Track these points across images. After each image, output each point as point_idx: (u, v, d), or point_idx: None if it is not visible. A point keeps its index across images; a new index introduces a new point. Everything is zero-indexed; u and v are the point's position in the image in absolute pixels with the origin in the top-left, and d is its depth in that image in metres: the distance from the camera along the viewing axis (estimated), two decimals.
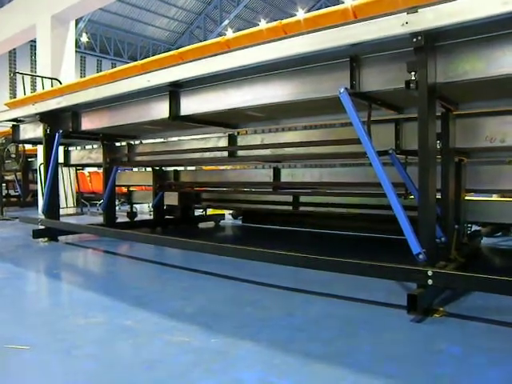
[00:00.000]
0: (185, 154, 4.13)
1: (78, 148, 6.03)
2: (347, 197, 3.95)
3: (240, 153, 3.94)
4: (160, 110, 3.25)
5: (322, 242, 4.27)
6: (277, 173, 4.23)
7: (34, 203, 7.70)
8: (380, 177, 2.11)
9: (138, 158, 4.83)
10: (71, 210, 7.32)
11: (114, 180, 4.62)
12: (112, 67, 20.90)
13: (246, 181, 4.56)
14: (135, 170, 7.58)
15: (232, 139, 4.04)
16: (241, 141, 4.03)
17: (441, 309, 2.01)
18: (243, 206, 5.05)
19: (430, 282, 1.89)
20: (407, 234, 2.02)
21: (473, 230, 3.54)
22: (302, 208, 4.32)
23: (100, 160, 4.74)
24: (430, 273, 1.89)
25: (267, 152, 3.60)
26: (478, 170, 3.02)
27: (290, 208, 4.40)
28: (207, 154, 4.18)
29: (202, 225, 5.62)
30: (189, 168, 6.12)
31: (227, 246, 2.78)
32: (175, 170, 5.27)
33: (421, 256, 1.98)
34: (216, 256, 3.01)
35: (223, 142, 4.09)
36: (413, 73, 1.96)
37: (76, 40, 9.69)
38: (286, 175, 4.21)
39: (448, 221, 2.46)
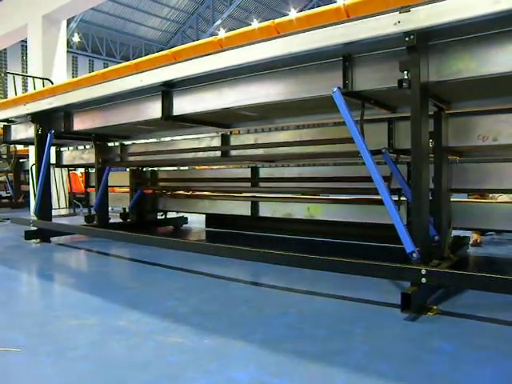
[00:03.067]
0: (178, 154, 4.12)
1: (71, 148, 5.99)
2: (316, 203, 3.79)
3: (233, 152, 3.94)
4: (153, 109, 3.24)
5: (289, 246, 4.17)
6: (255, 172, 4.17)
7: (26, 204, 7.64)
8: (373, 175, 2.11)
9: (131, 158, 4.80)
10: (63, 211, 7.27)
11: (106, 181, 4.60)
12: (104, 67, 20.77)
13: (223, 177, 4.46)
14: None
15: (225, 139, 4.03)
16: (234, 140, 4.02)
17: (434, 307, 2.01)
18: (204, 211, 4.82)
19: (423, 280, 1.89)
20: (400, 232, 2.03)
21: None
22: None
23: (92, 160, 4.70)
24: (423, 271, 1.89)
25: (260, 151, 3.60)
26: (466, 168, 2.97)
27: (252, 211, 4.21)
28: (200, 154, 4.17)
29: (162, 228, 5.31)
30: (167, 168, 5.90)
31: (223, 247, 2.76)
32: (152, 170, 5.16)
33: (414, 255, 1.99)
34: (207, 256, 3.01)
35: (216, 142, 4.08)
36: (405, 72, 1.97)
37: (68, 40, 9.63)
38: (265, 174, 4.15)
39: (441, 219, 2.47)
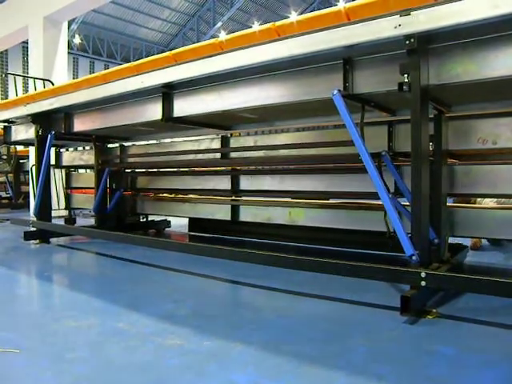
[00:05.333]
0: (177, 156, 4.11)
1: (70, 149, 5.98)
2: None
3: (233, 154, 3.93)
4: (153, 111, 3.24)
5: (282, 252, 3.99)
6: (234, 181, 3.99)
7: (26, 205, 7.63)
8: (373, 178, 2.11)
9: (131, 160, 4.80)
10: (63, 212, 7.25)
11: (105, 182, 4.59)
12: (105, 69, 20.80)
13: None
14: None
15: (225, 141, 4.03)
16: (234, 142, 4.01)
17: (434, 310, 2.01)
18: (184, 214, 4.58)
19: (423, 283, 1.89)
20: (400, 235, 2.03)
21: None
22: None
23: (92, 161, 4.70)
24: (423, 274, 1.89)
25: (260, 154, 3.60)
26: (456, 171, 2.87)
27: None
28: (200, 156, 4.16)
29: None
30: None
31: (223, 248, 2.76)
32: (132, 170, 4.92)
33: (414, 258, 1.99)
34: (203, 258, 3.01)
35: (216, 144, 4.07)
36: (405, 75, 1.97)
37: (69, 41, 9.62)
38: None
39: (441, 223, 2.47)
